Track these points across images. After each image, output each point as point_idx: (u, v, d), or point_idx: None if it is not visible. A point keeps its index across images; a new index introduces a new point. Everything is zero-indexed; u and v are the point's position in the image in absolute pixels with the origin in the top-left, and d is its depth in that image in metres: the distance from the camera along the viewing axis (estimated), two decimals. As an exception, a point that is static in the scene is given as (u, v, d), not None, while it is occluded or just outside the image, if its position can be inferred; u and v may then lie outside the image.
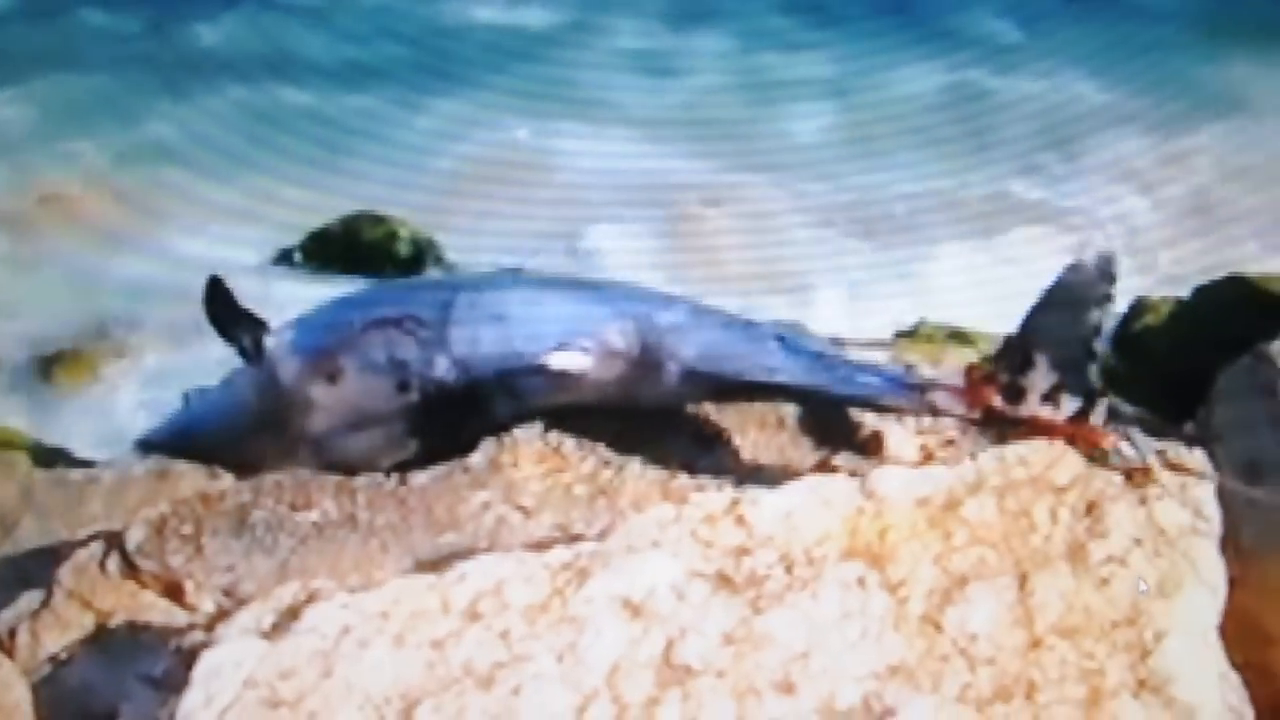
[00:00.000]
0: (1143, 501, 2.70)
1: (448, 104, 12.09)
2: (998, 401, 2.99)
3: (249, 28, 13.94)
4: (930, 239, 10.20)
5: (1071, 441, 2.78)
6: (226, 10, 14.22)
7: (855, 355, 3.44)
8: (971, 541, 2.56)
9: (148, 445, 3.57)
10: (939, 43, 13.65)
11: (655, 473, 3.10)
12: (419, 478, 3.11)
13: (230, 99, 12.11)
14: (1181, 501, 2.73)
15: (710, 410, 3.27)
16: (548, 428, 3.21)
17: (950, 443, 3.12)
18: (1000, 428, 2.94)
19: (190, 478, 3.32)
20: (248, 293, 3.42)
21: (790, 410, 3.27)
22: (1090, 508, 2.67)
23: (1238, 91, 12.60)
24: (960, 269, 9.62)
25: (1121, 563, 2.58)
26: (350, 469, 3.19)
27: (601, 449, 3.14)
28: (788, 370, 3.23)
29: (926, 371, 3.39)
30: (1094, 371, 2.98)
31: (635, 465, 3.10)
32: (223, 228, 9.54)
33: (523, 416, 3.25)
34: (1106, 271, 2.99)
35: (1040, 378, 2.96)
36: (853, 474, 2.67)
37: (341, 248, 8.89)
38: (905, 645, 2.40)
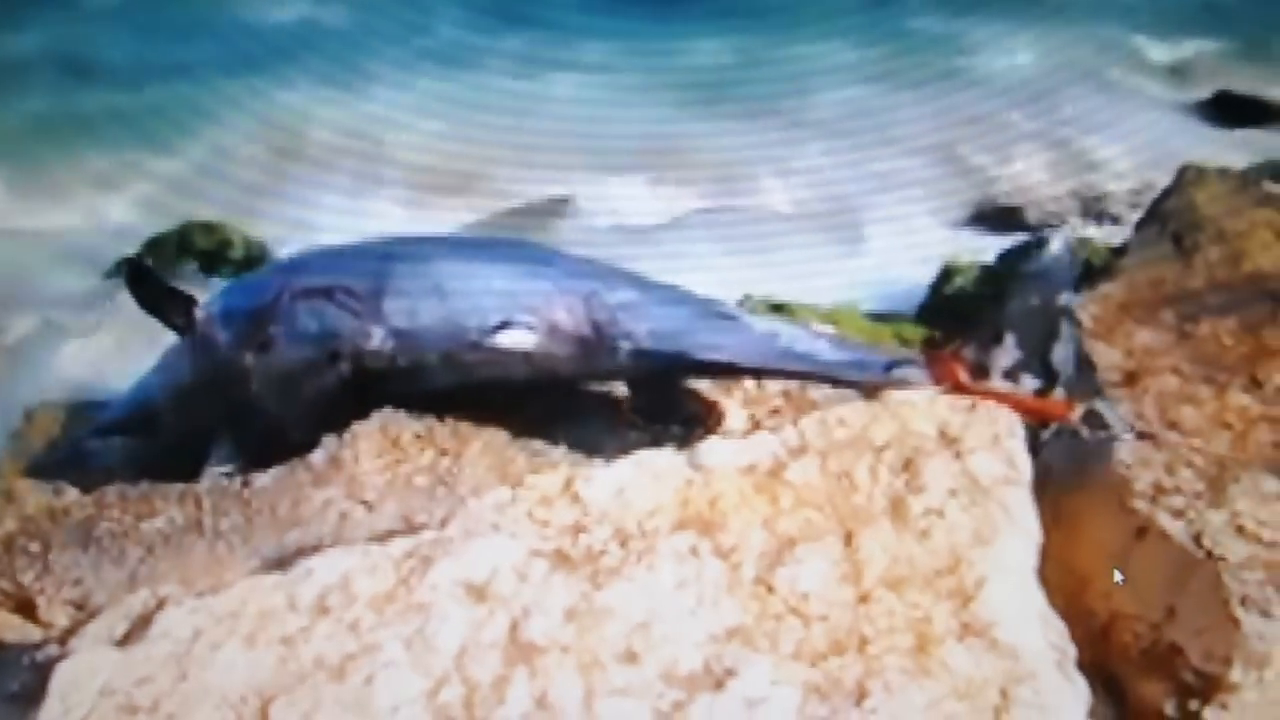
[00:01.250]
0: (957, 455, 2.96)
1: (257, 101, 12.08)
2: (964, 377, 3.23)
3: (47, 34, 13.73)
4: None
5: (1036, 416, 3.05)
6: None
7: (812, 330, 3.64)
8: (797, 504, 2.79)
9: (101, 431, 3.65)
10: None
11: (492, 458, 3.29)
12: (262, 479, 3.26)
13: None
14: (994, 453, 2.99)
15: (546, 392, 3.46)
16: (385, 420, 3.38)
17: (776, 411, 3.36)
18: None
19: (35, 495, 3.42)
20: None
21: (620, 390, 3.48)
22: (907, 464, 2.92)
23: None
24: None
25: (940, 514, 2.83)
26: (289, 438, 3.32)
27: (439, 438, 3.33)
28: (740, 348, 3.38)
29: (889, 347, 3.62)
30: (1058, 350, 3.25)
31: (473, 452, 3.29)
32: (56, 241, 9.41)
33: (465, 388, 3.39)
34: (1074, 255, 3.26)
35: (1005, 355, 3.22)
36: (682, 447, 2.90)
37: (176, 256, 8.97)
38: (740, 608, 2.62)
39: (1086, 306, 3.61)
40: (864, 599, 2.69)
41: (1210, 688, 2.83)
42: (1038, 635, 2.75)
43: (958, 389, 3.22)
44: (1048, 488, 3.02)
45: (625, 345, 3.35)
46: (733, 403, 3.39)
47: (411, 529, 2.67)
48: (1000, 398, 3.15)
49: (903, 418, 3.03)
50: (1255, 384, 3.38)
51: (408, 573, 2.49)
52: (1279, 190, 4.18)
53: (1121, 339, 3.51)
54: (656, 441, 3.12)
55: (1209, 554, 2.87)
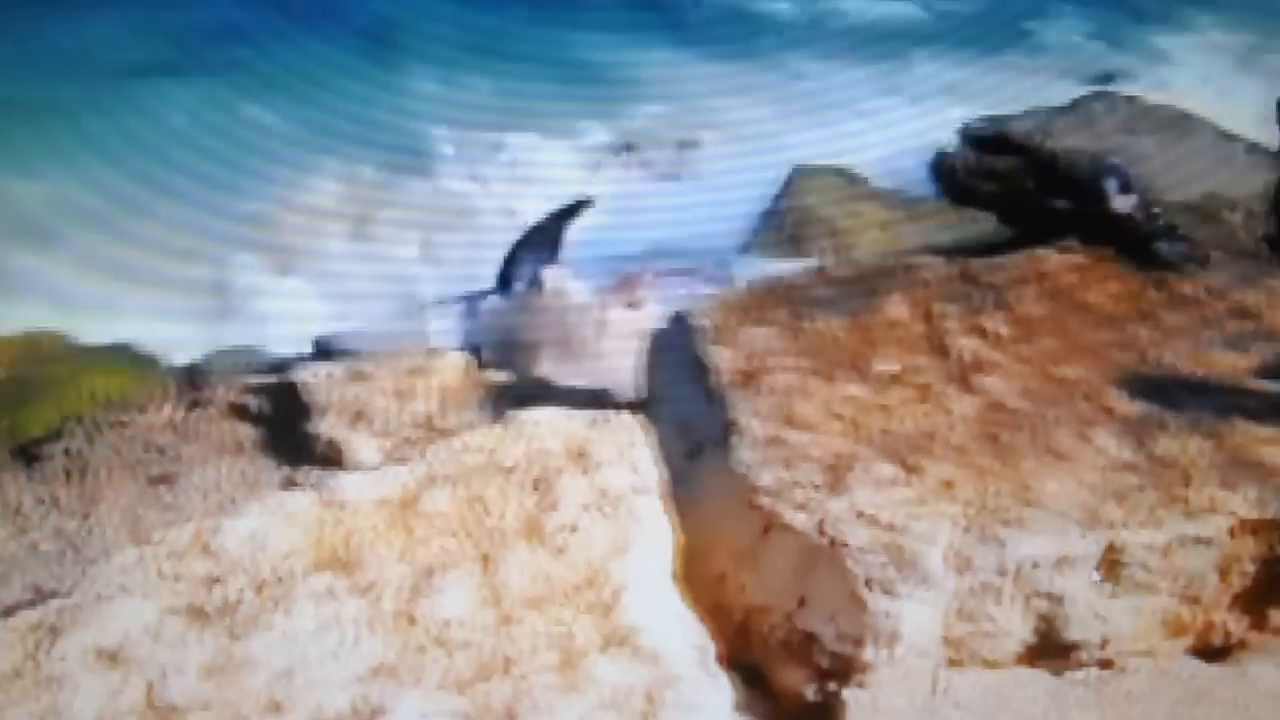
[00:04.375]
0: (586, 470, 3.30)
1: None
2: None
3: None
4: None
5: None
6: None
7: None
8: (433, 533, 3.04)
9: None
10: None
11: (121, 516, 3.42)
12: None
13: None
14: (621, 464, 3.35)
15: (170, 444, 3.61)
16: (4, 485, 3.46)
17: (409, 441, 3.63)
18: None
19: None
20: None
21: (249, 433, 3.67)
22: (538, 483, 3.23)
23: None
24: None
25: (574, 530, 3.15)
26: None
27: (65, 501, 3.43)
28: None
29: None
30: None
31: (101, 512, 3.41)
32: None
33: None
34: None
35: None
36: (313, 486, 3.12)
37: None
38: (383, 645, 2.83)
39: (708, 314, 4.04)
40: (506, 621, 2.96)
41: (846, 669, 3.26)
42: (678, 638, 3.09)
43: None
44: (677, 492, 3.40)
45: None
46: (361, 436, 3.63)
47: (40, 598, 2.78)
48: None
49: (530, 437, 3.35)
50: (863, 375, 3.88)
51: (34, 646, 2.61)
52: (881, 187, 4.73)
53: (740, 341, 3.95)
54: (289, 482, 3.33)
55: (832, 541, 3.31)
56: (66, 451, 3.50)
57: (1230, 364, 4.11)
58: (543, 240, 4.66)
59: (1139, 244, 4.63)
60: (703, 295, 4.17)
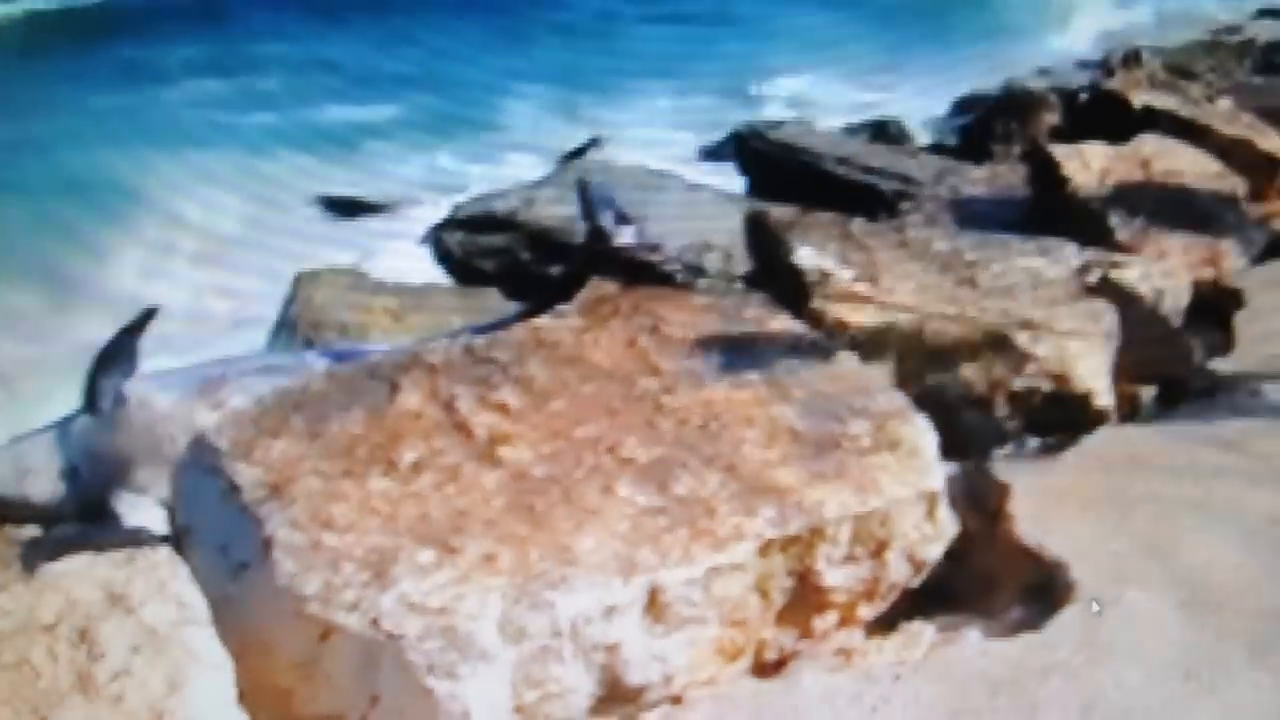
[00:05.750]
0: (129, 611, 3.37)
1: None
2: None
3: None
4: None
5: None
6: None
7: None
8: (-20, 708, 3.08)
9: None
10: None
11: None
12: None
13: None
14: (163, 599, 3.44)
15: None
16: None
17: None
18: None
19: None
20: None
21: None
22: (83, 634, 3.28)
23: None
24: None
25: (128, 674, 3.20)
26: None
27: None
28: None
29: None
30: None
31: None
32: None
33: None
34: None
35: None
36: None
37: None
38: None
39: (223, 433, 4.16)
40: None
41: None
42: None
43: None
44: (226, 618, 3.52)
45: None
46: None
47: None
48: None
49: (66, 589, 3.39)
50: (390, 467, 4.09)
51: None
52: (389, 280, 4.97)
53: (260, 455, 4.08)
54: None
55: (389, 635, 3.50)
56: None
57: (726, 396, 4.54)
58: (118, 355, 4.71)
59: (648, 270, 5.10)
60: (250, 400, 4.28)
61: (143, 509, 4.54)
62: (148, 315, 5.03)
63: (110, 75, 20.90)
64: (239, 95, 20.14)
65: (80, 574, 3.43)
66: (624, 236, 5.22)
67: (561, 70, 21.74)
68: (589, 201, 5.42)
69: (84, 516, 4.61)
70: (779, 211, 5.80)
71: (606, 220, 5.26)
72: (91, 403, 4.78)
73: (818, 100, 19.62)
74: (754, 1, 27.37)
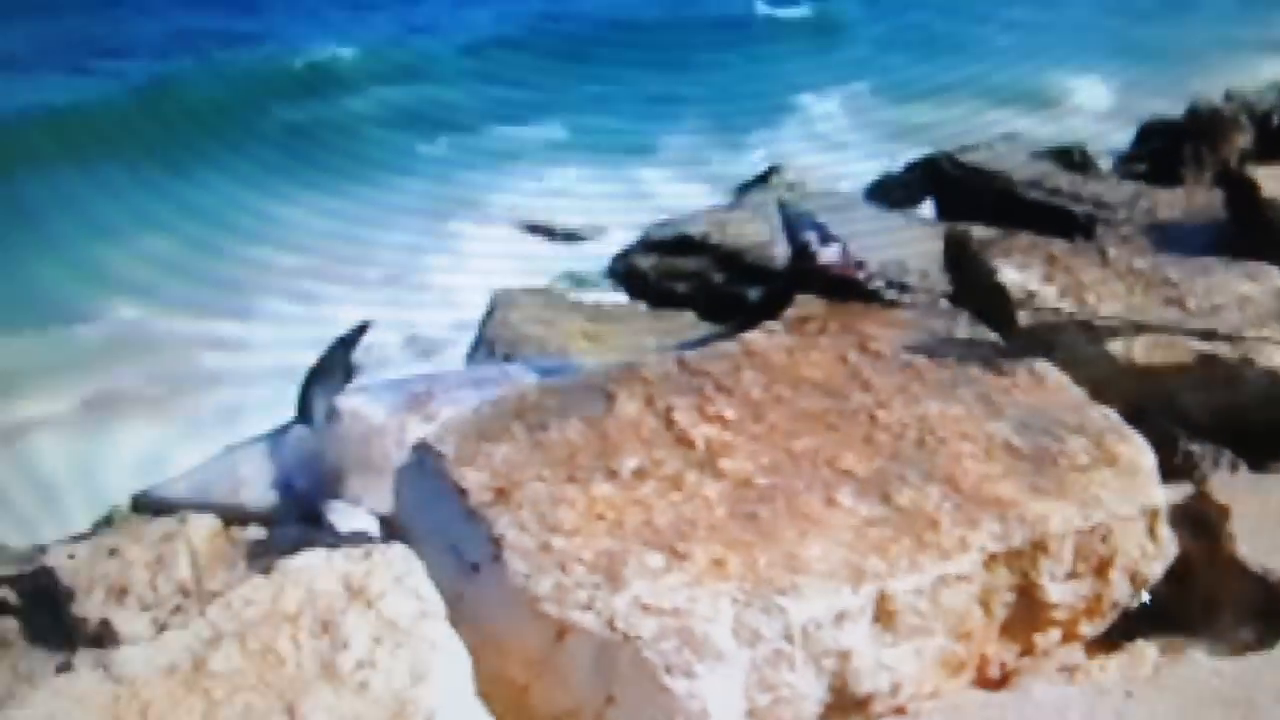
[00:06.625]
0: (369, 604, 3.39)
1: None
2: None
3: None
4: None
5: None
6: None
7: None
8: (232, 691, 3.09)
9: None
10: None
11: None
12: None
13: None
14: (401, 592, 3.45)
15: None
16: None
17: (179, 610, 3.63)
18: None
19: None
20: None
21: (10, 625, 3.60)
22: (325, 625, 3.30)
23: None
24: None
25: (372, 665, 3.21)
26: None
27: None
28: None
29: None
30: None
31: None
32: None
33: None
34: None
35: None
36: (96, 665, 3.11)
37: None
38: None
39: (445, 439, 4.18)
40: (318, 769, 3.04)
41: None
42: (489, 750, 3.18)
43: None
44: (459, 615, 3.52)
45: None
46: (129, 611, 3.61)
47: None
48: None
49: (305, 582, 3.41)
50: (612, 475, 4.09)
51: None
52: (583, 300, 5.00)
53: (484, 460, 4.10)
54: (67, 668, 3.28)
55: (625, 636, 3.49)
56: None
57: (940, 411, 4.48)
58: (331, 368, 4.81)
59: (853, 287, 5.10)
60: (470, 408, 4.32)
61: (355, 517, 4.57)
62: (361, 329, 5.12)
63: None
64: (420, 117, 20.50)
65: (319, 567, 3.45)
66: (828, 255, 5.22)
67: (718, 91, 21.57)
68: (792, 222, 5.43)
69: (297, 524, 4.66)
70: (980, 231, 5.76)
71: (811, 239, 5.26)
72: (305, 414, 4.85)
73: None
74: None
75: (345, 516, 4.61)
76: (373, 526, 4.58)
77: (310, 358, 5.03)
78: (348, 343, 5.05)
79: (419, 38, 26.44)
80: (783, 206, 5.59)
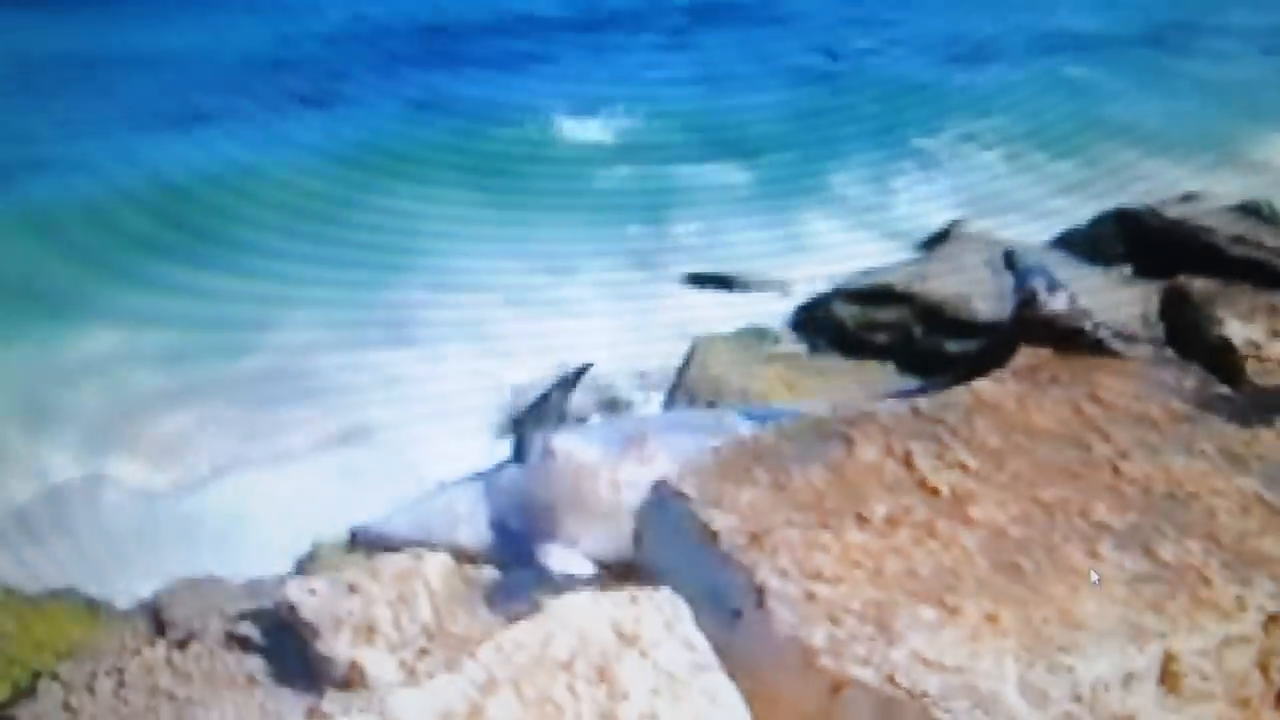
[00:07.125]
0: (643, 653, 3.17)
1: None
2: None
3: None
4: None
5: None
6: None
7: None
8: (512, 741, 2.89)
9: None
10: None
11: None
12: None
13: None
14: (672, 641, 3.23)
15: (173, 687, 3.32)
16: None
17: (424, 652, 3.42)
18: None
19: None
20: None
21: (256, 664, 3.40)
22: (601, 673, 3.09)
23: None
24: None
25: (653, 717, 3.03)
26: None
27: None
28: None
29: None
30: None
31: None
32: None
33: None
34: None
35: None
36: (360, 710, 2.90)
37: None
38: None
39: (688, 481, 3.97)
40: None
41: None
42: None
43: None
44: (735, 664, 3.29)
45: None
46: (377, 652, 3.41)
47: None
48: None
49: (575, 625, 3.20)
50: (862, 521, 3.86)
51: None
52: (780, 349, 4.82)
53: (729, 504, 3.88)
54: (314, 713, 3.09)
55: (910, 693, 3.25)
56: (67, 707, 3.18)
57: (1185, 465, 4.24)
58: (548, 408, 4.66)
59: (1080, 336, 4.88)
60: (706, 450, 4.11)
61: (571, 559, 4.37)
62: (580, 371, 4.98)
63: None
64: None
65: (587, 611, 3.23)
66: (1057, 303, 5.00)
67: (881, 131, 21.11)
68: (1019, 269, 5.23)
69: (511, 564, 4.48)
70: (1201, 283, 5.52)
71: (1039, 286, 5.05)
72: (520, 454, 4.69)
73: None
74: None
75: (560, 559, 4.41)
76: (587, 569, 4.38)
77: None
78: (566, 384, 4.90)
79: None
80: (1010, 254, 5.38)
